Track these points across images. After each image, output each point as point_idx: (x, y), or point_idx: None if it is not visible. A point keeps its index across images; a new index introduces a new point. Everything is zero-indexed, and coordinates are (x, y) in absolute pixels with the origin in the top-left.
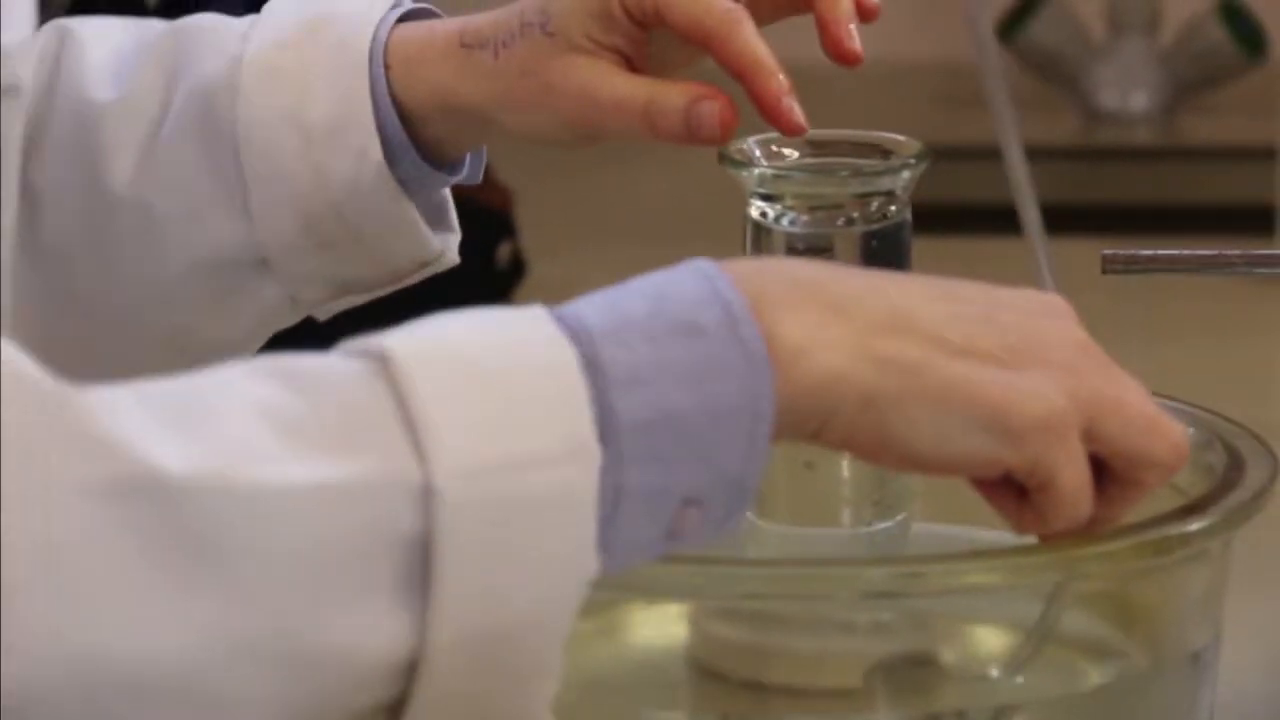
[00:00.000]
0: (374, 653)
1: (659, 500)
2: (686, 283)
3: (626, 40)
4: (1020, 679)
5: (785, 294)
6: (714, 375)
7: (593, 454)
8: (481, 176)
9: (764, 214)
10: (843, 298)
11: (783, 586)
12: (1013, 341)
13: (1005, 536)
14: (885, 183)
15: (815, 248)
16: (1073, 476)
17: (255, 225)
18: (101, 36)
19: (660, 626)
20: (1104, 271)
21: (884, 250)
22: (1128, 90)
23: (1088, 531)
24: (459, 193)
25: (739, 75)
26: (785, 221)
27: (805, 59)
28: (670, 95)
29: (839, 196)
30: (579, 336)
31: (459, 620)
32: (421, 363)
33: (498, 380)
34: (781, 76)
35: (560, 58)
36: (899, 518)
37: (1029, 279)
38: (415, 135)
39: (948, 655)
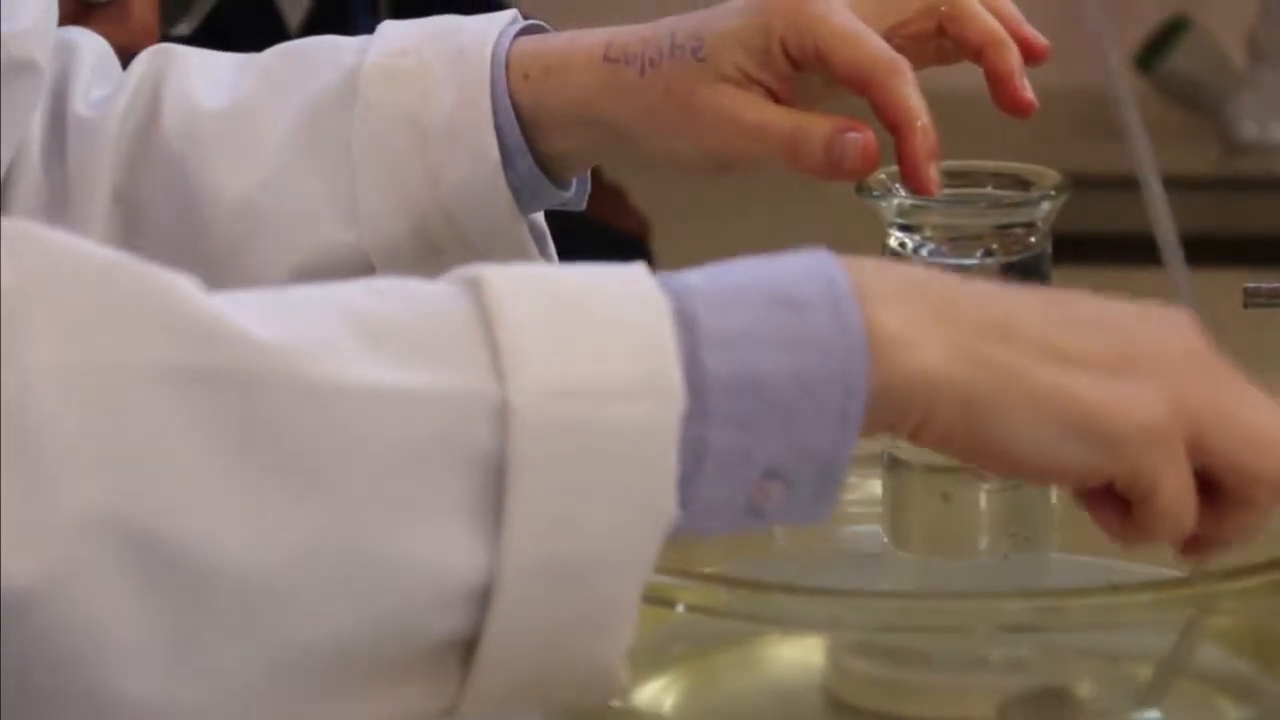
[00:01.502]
0: (446, 572)
1: (741, 465)
2: (797, 261)
3: (776, 78)
4: (1154, 714)
5: (893, 288)
6: (808, 347)
7: (677, 397)
8: (585, 203)
9: (903, 244)
10: (950, 299)
11: (919, 619)
12: (1120, 350)
13: (1143, 569)
14: (1025, 214)
15: None
16: (1174, 488)
17: (363, 231)
18: (207, 55)
19: (796, 659)
20: (1246, 305)
21: (1023, 281)
22: (1269, 120)
23: (1203, 551)
24: (598, 220)
25: (891, 126)
26: (924, 252)
27: (944, 87)
28: (816, 125)
29: (978, 227)
30: (677, 293)
31: (533, 546)
32: (513, 288)
33: (588, 315)
34: (931, 136)
35: (708, 84)
36: (1036, 550)
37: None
38: (540, 145)
39: (1084, 690)
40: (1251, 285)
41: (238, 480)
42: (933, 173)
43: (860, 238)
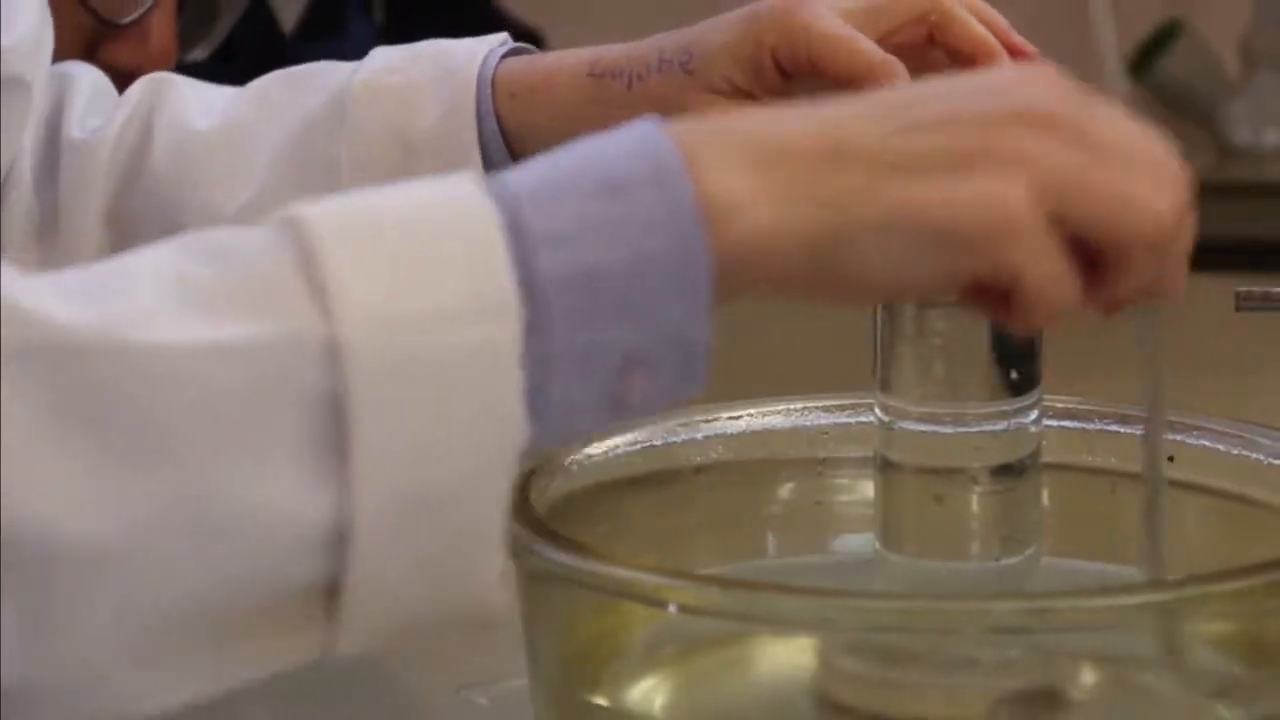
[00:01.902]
0: (296, 518)
1: (594, 361)
2: (624, 140)
3: (766, 90)
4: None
5: (722, 151)
6: (639, 230)
7: (513, 312)
8: None
9: None
10: (779, 142)
11: (910, 620)
12: (963, 144)
13: (1135, 573)
14: None
15: None
16: (1039, 273)
17: None
18: (203, 85)
19: (787, 659)
20: (1238, 309)
21: None
22: (1261, 126)
23: (1098, 313)
24: None
25: None
26: None
27: None
28: None
29: None
30: (502, 197)
31: (382, 481)
32: (332, 224)
33: (413, 239)
34: None
35: (697, 95)
36: (1027, 552)
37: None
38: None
39: (1074, 691)
40: (1243, 289)
41: (69, 454)
42: None
43: None
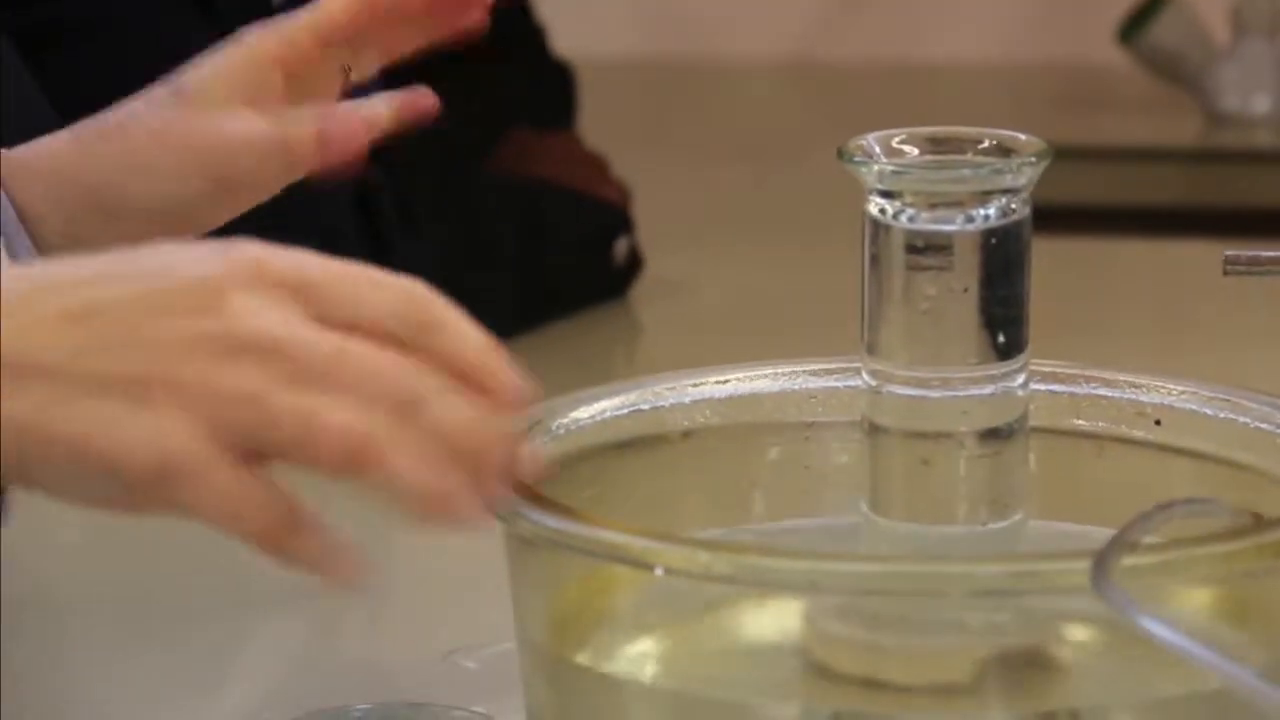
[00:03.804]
0: None
1: None
2: None
3: (268, 100)
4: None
5: None
6: None
7: None
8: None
9: (883, 210)
10: None
11: (898, 583)
12: (143, 369)
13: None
14: (1006, 180)
15: (934, 245)
16: (215, 510)
17: None
18: None
19: (774, 621)
20: (1225, 273)
21: (1004, 248)
22: (1250, 92)
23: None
24: (579, 190)
25: None
26: (904, 218)
27: (926, 58)
28: (300, 119)
29: (959, 194)
30: None
31: None
32: None
33: None
34: None
35: (192, 110)
36: (1015, 516)
37: (1146, 280)
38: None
39: (1061, 653)
40: (1231, 253)
41: None
42: None
43: (840, 204)
